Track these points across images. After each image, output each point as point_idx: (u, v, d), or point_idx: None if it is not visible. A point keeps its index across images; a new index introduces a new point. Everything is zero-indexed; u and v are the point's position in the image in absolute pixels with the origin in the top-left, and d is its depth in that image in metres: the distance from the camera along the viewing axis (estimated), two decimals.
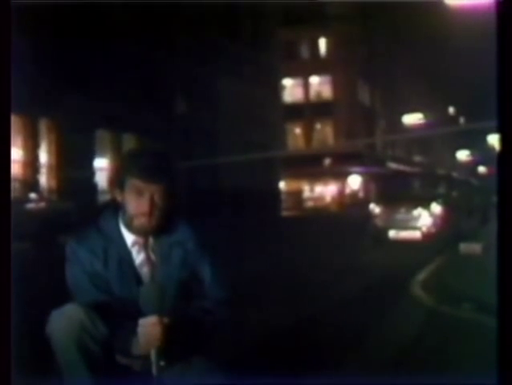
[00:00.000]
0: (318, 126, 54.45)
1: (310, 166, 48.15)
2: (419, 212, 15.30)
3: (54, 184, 23.30)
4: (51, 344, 2.41)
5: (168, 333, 2.34)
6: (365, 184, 52.28)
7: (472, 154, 75.11)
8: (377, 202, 17.09)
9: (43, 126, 23.20)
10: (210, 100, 31.73)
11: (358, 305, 7.06)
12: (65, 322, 2.38)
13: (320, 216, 35.96)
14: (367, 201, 27.50)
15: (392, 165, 55.76)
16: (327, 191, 52.47)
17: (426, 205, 15.34)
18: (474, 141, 63.76)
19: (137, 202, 2.51)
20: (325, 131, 54.22)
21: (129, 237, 2.59)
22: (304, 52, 54.28)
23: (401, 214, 15.52)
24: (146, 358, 2.37)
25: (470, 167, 71.77)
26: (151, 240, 2.60)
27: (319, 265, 11.15)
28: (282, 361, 4.40)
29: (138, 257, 2.59)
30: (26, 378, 2.75)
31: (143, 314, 2.36)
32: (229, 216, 24.66)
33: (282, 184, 43.60)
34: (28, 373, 2.82)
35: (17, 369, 2.35)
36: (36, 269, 9.37)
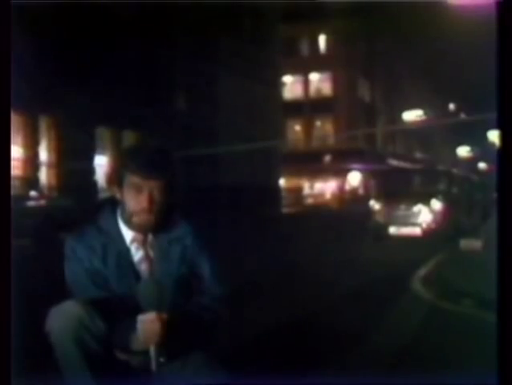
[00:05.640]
0: (318, 123, 54.41)
1: (310, 163, 48.17)
2: (419, 208, 15.29)
3: (54, 181, 23.32)
4: (50, 341, 2.41)
5: (167, 329, 2.34)
6: (365, 180, 52.26)
7: (472, 150, 75.02)
8: (377, 198, 17.07)
9: (43, 123, 23.21)
10: (210, 97, 31.74)
11: (358, 301, 7.06)
12: (64, 318, 2.38)
13: (320, 212, 35.94)
14: (367, 198, 27.50)
15: (393, 162, 55.72)
16: (327, 187, 52.44)
17: (426, 201, 15.33)
18: (475, 137, 63.69)
19: (136, 198, 2.50)
20: (325, 128, 54.17)
21: (128, 234, 2.59)
22: (304, 49, 54.22)
23: (401, 210, 15.51)
24: (145, 354, 2.37)
25: (470, 163, 71.65)
26: (150, 236, 2.60)
27: (319, 261, 11.15)
28: (281, 357, 4.40)
29: (137, 254, 2.59)
30: (26, 378, 2.75)
31: (142, 311, 2.36)
32: (228, 213, 24.66)
33: (281, 181, 43.58)
34: (28, 373, 2.82)
35: (17, 369, 2.35)
36: (36, 266, 9.38)
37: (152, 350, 2.34)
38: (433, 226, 15.03)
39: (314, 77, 53.78)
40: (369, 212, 16.27)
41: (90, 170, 24.15)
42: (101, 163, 24.92)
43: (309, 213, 36.13)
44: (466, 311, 6.29)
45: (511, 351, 2.30)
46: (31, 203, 15.71)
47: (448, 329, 5.59)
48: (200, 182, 27.91)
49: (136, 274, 2.56)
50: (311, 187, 52.77)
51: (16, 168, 20.84)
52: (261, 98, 36.05)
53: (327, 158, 50.65)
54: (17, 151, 21.38)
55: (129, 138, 25.99)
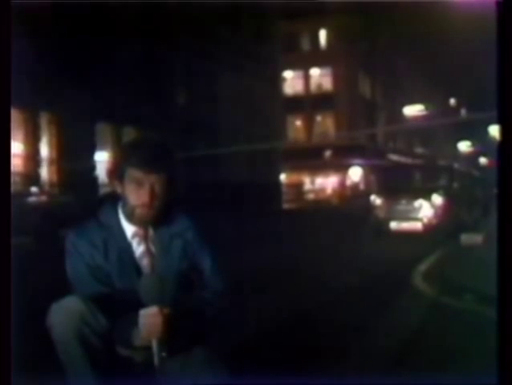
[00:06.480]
0: (318, 118, 54.38)
1: (310, 158, 48.14)
2: (420, 203, 15.27)
3: (54, 177, 23.31)
4: (52, 337, 2.41)
5: (169, 323, 2.34)
6: (366, 175, 52.24)
7: (473, 145, 75.02)
8: (378, 194, 17.04)
9: (44, 119, 23.19)
10: (211, 93, 31.72)
11: (359, 296, 7.05)
12: (65, 314, 2.38)
13: (321, 208, 35.94)
14: (368, 193, 27.46)
15: (393, 157, 55.70)
16: (328, 183, 52.44)
17: (427, 196, 15.31)
18: (475, 132, 63.69)
19: (137, 193, 2.50)
20: (326, 124, 54.16)
21: (129, 229, 2.59)
22: (305, 44, 54.16)
23: (402, 205, 15.49)
24: (147, 349, 2.37)
25: (471, 158, 71.61)
26: (151, 231, 2.60)
27: (320, 257, 11.15)
28: (282, 353, 4.40)
29: (138, 249, 2.59)
30: (26, 377, 2.75)
31: (143, 306, 2.36)
32: (229, 208, 24.65)
33: (282, 176, 43.57)
34: (28, 372, 2.82)
35: (17, 366, 2.35)
36: (37, 262, 9.38)
37: (154, 344, 2.34)
38: (434, 221, 15.01)
39: (314, 72, 53.73)
40: (370, 207, 16.26)
41: (90, 166, 24.13)
42: (102, 159, 24.91)
43: (310, 209, 36.13)
44: (467, 306, 6.28)
45: (511, 348, 2.30)
46: (32, 199, 15.70)
47: (449, 324, 5.59)
48: (200, 177, 27.89)
49: (138, 269, 2.56)
50: (312, 182, 52.76)
51: (16, 164, 20.84)
52: (261, 94, 36.02)
53: (328, 153, 50.63)
54: (17, 148, 21.37)
55: (129, 134, 25.94)
